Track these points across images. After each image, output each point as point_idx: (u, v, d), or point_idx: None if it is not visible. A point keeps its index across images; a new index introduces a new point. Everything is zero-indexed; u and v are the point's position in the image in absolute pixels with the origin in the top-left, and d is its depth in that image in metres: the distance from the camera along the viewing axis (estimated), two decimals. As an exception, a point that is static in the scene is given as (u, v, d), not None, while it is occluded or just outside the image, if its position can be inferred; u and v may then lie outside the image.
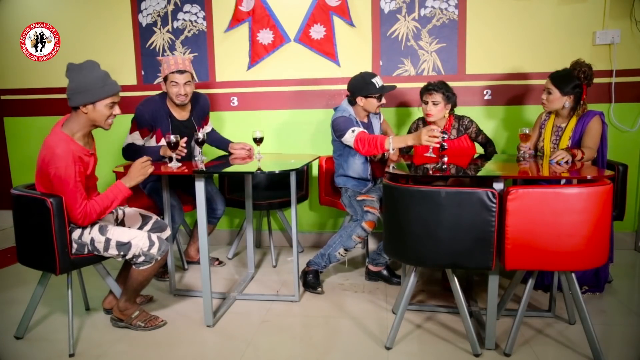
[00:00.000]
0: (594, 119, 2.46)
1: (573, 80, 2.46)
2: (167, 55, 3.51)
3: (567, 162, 2.34)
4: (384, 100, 2.73)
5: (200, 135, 2.57)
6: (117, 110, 2.11)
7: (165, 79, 2.67)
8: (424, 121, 2.89)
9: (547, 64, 3.14)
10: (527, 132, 2.50)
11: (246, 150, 2.87)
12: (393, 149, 2.45)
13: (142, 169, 2.14)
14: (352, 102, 2.74)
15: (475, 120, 2.87)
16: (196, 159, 2.64)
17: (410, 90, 3.33)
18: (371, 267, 2.85)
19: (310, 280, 2.70)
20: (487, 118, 3.28)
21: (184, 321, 2.39)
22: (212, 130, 3.07)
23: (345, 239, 2.62)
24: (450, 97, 2.73)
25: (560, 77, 2.49)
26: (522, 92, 3.24)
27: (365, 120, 2.83)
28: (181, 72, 2.64)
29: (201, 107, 2.92)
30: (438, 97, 2.70)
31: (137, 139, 2.70)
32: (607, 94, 3.17)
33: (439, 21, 3.25)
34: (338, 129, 2.65)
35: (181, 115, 2.80)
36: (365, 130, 2.59)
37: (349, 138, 2.57)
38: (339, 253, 2.64)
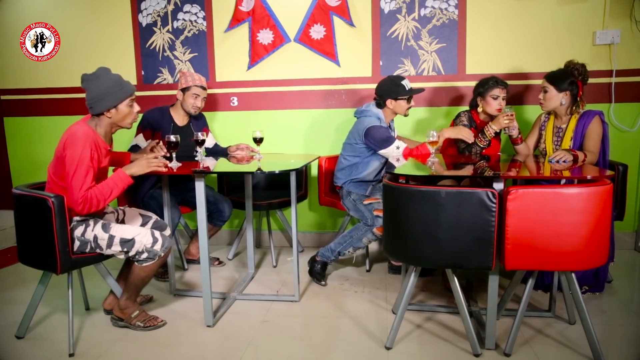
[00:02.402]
0: (594, 120, 2.47)
1: (567, 77, 2.51)
2: (167, 55, 3.51)
3: (565, 162, 2.35)
4: (413, 102, 2.78)
5: (200, 135, 2.58)
6: (136, 107, 2.21)
7: (185, 89, 2.88)
8: (469, 114, 2.85)
9: (547, 64, 3.14)
10: (508, 111, 2.60)
11: (245, 151, 2.95)
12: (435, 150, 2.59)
13: (150, 164, 2.16)
14: (381, 105, 2.77)
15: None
16: (196, 159, 2.64)
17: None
18: (394, 261, 2.92)
19: (317, 271, 2.80)
20: (487, 118, 3.28)
21: (184, 321, 2.39)
22: (216, 144, 3.14)
23: (356, 241, 2.70)
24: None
25: (555, 74, 2.56)
26: (522, 92, 3.25)
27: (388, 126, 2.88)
28: (204, 88, 2.92)
29: (197, 120, 3.05)
30: (506, 93, 2.76)
31: (141, 141, 2.83)
32: (607, 94, 3.17)
33: (439, 21, 3.25)
34: (379, 139, 2.67)
35: (182, 122, 2.99)
36: (406, 145, 2.68)
37: (393, 153, 2.66)
38: (348, 251, 2.75)
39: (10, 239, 3.68)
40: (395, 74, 3.33)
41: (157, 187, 2.90)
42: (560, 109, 2.56)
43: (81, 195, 2.00)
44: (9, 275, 3.09)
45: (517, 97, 3.25)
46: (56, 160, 2.10)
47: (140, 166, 2.15)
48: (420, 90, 2.80)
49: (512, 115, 2.61)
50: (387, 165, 2.84)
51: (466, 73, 3.27)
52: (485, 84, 2.75)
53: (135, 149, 2.80)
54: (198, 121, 3.05)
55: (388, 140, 2.65)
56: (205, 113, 3.52)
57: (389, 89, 2.71)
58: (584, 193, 1.79)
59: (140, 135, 2.84)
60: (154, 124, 2.88)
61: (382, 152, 2.70)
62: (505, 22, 3.19)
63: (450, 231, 1.88)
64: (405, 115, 2.83)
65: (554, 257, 1.83)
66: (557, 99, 2.53)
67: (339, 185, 2.88)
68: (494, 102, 2.72)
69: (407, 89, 2.70)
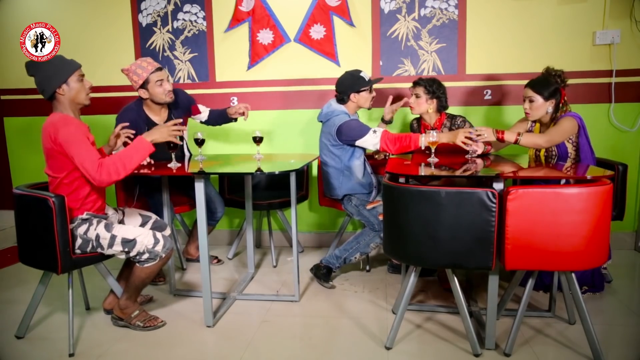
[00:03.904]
0: (564, 116, 2.40)
1: (552, 84, 2.43)
2: (167, 55, 3.52)
3: (485, 142, 2.40)
4: (374, 92, 2.78)
5: (200, 135, 2.57)
6: (88, 82, 2.18)
7: (144, 83, 2.59)
8: (418, 120, 2.90)
9: (547, 64, 3.12)
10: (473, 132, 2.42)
11: (243, 107, 2.86)
12: (425, 146, 2.45)
13: (170, 132, 2.18)
14: (344, 100, 2.75)
15: (475, 120, 2.87)
16: (196, 158, 2.64)
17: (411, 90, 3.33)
18: (395, 260, 2.91)
19: (323, 274, 2.76)
20: (486, 118, 3.28)
21: (184, 321, 2.39)
22: (210, 111, 3.02)
23: (363, 247, 2.70)
24: (434, 92, 2.73)
25: (539, 82, 2.45)
26: (522, 92, 3.23)
27: None
28: (159, 69, 2.62)
29: (182, 102, 2.85)
30: (420, 90, 2.74)
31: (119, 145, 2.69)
32: (607, 94, 3.17)
33: (439, 21, 3.25)
34: (352, 134, 2.61)
35: (160, 117, 2.75)
36: (387, 129, 2.64)
37: (371, 139, 2.56)
38: (355, 257, 2.74)
39: (11, 239, 3.68)
40: (395, 74, 3.34)
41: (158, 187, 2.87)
42: (545, 117, 2.49)
43: (97, 166, 1.97)
44: (10, 275, 3.09)
45: (517, 98, 3.24)
46: (47, 156, 2.09)
47: (161, 133, 2.17)
48: (379, 79, 2.82)
49: (476, 135, 2.38)
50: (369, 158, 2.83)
51: (466, 73, 3.27)
52: None
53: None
54: (177, 109, 2.81)
55: (364, 129, 2.59)
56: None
57: (351, 84, 2.71)
58: (583, 193, 1.79)
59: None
60: (129, 126, 2.61)
61: (359, 142, 2.61)
62: (505, 22, 3.19)
63: (450, 231, 1.88)
64: (369, 108, 2.81)
65: (554, 257, 1.84)
66: (544, 108, 2.44)
67: (338, 198, 2.81)
68: (410, 99, 2.80)
69: (366, 79, 2.72)
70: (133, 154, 2.06)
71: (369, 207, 2.69)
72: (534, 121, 2.60)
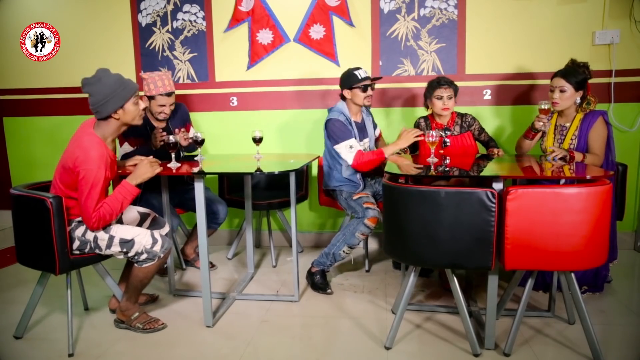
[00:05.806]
0: (597, 121, 2.45)
1: (581, 74, 2.47)
2: (167, 55, 3.51)
3: (562, 159, 2.35)
4: (370, 92, 2.75)
5: (200, 135, 2.57)
6: (142, 104, 2.17)
7: (150, 97, 2.72)
8: (426, 119, 2.90)
9: (546, 64, 3.15)
10: (545, 107, 2.47)
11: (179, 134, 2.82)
12: (388, 156, 2.65)
13: (150, 167, 2.17)
14: (343, 97, 2.80)
15: (475, 120, 2.88)
16: (195, 159, 2.64)
17: (410, 90, 3.33)
18: (395, 260, 2.93)
19: (319, 282, 2.73)
20: (486, 118, 3.28)
21: (184, 321, 2.39)
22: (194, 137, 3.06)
23: (349, 236, 2.64)
24: (457, 92, 2.79)
25: (570, 72, 2.49)
26: (521, 92, 3.24)
27: (359, 120, 2.85)
28: (169, 94, 2.73)
29: (180, 115, 2.97)
30: (452, 91, 2.76)
31: (127, 149, 2.76)
32: (607, 94, 3.17)
33: (439, 21, 3.25)
34: (333, 135, 2.69)
35: (158, 123, 2.86)
36: (360, 149, 2.68)
37: (345, 153, 2.67)
38: (343, 251, 2.67)
39: (10, 239, 3.66)
40: (394, 74, 3.34)
41: (155, 190, 2.86)
42: (570, 108, 2.52)
43: (94, 214, 2.02)
44: (9, 275, 3.09)
45: (516, 97, 3.25)
46: (63, 170, 2.08)
47: (142, 173, 2.16)
48: (376, 78, 2.81)
49: (548, 113, 2.47)
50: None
51: (466, 73, 3.27)
52: (429, 86, 2.80)
53: (125, 156, 2.69)
54: (174, 119, 2.92)
55: (341, 137, 2.66)
56: (204, 113, 3.54)
57: (344, 80, 2.75)
58: (583, 193, 1.79)
59: (126, 144, 2.77)
60: (134, 130, 2.69)
61: (335, 147, 2.69)
62: (504, 22, 3.19)
63: (450, 231, 1.88)
64: (366, 106, 2.81)
65: (554, 257, 1.84)
66: (573, 98, 2.48)
67: (330, 189, 2.86)
68: (438, 102, 2.76)
69: (359, 78, 2.70)
70: (122, 200, 2.10)
71: (355, 197, 2.71)
72: (553, 112, 2.62)
